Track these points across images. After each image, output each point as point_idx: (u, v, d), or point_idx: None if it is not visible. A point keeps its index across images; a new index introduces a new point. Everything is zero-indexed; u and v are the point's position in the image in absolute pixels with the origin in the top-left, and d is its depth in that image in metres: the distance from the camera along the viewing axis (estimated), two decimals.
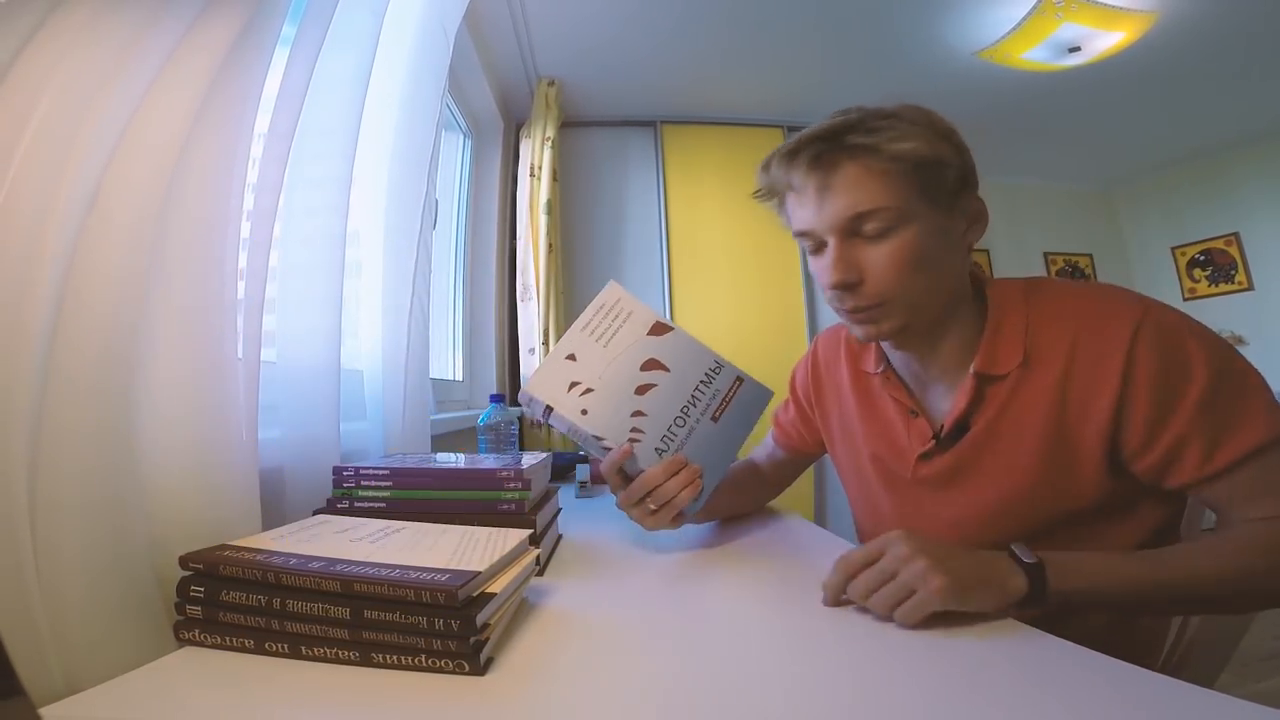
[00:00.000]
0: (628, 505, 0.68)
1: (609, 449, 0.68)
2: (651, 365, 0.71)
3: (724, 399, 0.73)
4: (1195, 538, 0.70)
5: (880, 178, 0.60)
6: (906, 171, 0.60)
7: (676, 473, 0.67)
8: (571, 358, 0.70)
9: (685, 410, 0.71)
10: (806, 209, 0.64)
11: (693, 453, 0.70)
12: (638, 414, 0.69)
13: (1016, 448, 0.64)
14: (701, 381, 0.73)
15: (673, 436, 0.70)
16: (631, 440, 0.68)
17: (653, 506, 0.66)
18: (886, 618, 0.48)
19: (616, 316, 0.73)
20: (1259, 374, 0.58)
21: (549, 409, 0.68)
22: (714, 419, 0.72)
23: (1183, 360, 0.57)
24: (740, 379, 0.75)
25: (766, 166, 0.67)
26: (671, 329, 0.74)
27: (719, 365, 0.74)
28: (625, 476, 0.69)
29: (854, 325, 0.67)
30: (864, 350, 0.81)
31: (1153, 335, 0.58)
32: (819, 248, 0.65)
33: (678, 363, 0.72)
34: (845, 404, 0.83)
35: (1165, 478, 0.59)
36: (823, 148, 0.61)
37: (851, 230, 0.62)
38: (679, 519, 0.69)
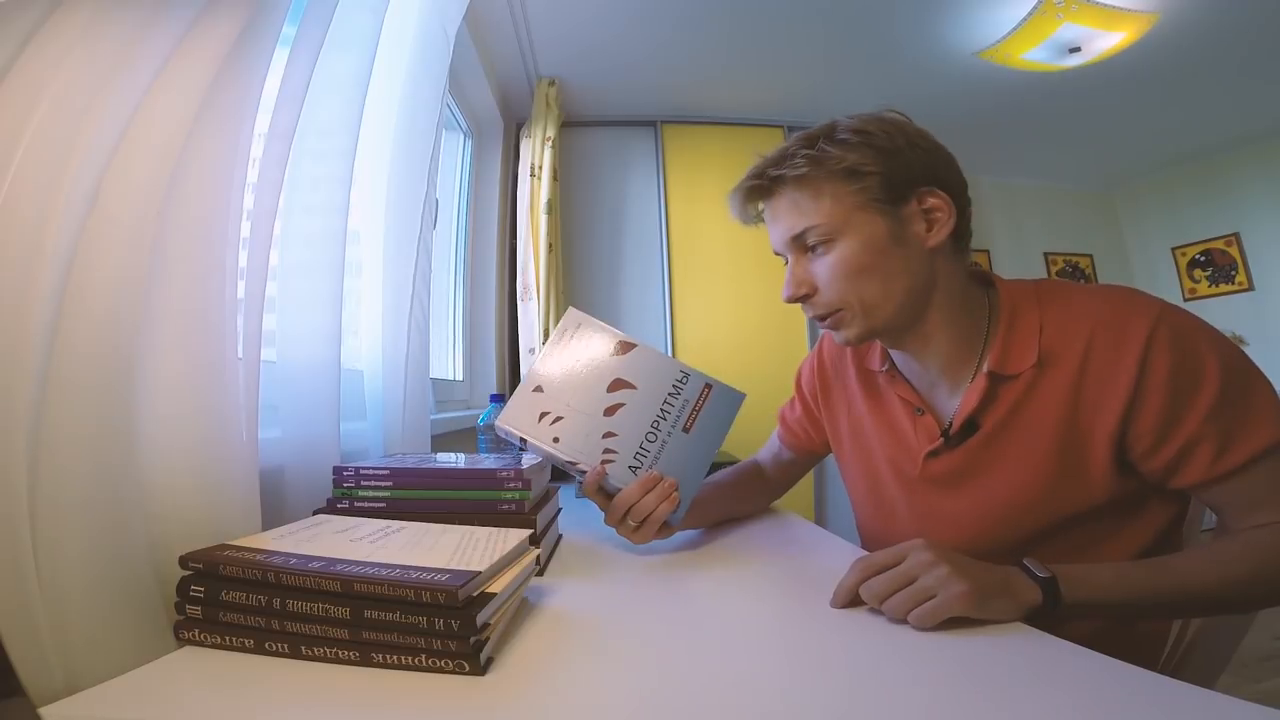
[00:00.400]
0: (612, 524, 0.70)
1: (585, 472, 0.69)
2: (618, 385, 0.73)
3: (694, 408, 0.74)
4: (1196, 539, 0.71)
5: (806, 200, 0.66)
6: (827, 188, 0.64)
7: (652, 488, 0.68)
8: (539, 389, 0.72)
9: (656, 425, 0.72)
10: (769, 233, 0.72)
11: (667, 465, 0.71)
12: (609, 435, 0.71)
13: (1029, 447, 0.64)
14: (670, 394, 0.73)
15: (645, 453, 0.71)
16: (605, 461, 0.70)
17: (633, 523, 0.68)
18: (900, 621, 0.48)
19: (579, 341, 0.74)
20: (1264, 375, 0.59)
21: (523, 441, 0.70)
22: (685, 430, 0.73)
23: (1196, 363, 0.57)
24: (709, 385, 0.75)
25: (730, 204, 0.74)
26: (635, 346, 0.75)
27: (686, 375, 0.75)
28: (607, 496, 0.71)
29: (828, 330, 0.71)
30: (868, 348, 0.81)
31: (1167, 337, 0.58)
32: (788, 264, 0.71)
33: (644, 379, 0.73)
34: (854, 402, 0.83)
35: (1173, 477, 0.60)
36: (754, 183, 0.69)
37: (800, 248, 0.68)
38: (664, 530, 0.71)
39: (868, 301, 0.66)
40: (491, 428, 1.19)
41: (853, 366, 0.83)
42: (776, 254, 0.72)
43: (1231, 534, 0.59)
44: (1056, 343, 0.63)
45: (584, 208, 2.64)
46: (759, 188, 0.69)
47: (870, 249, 0.64)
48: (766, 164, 0.68)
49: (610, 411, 0.71)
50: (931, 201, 0.65)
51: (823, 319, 0.69)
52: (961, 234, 0.68)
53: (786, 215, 0.67)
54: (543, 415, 0.71)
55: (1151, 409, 0.58)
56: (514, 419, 0.71)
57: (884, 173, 0.63)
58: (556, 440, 0.70)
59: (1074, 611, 0.52)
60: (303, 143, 0.73)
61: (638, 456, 0.71)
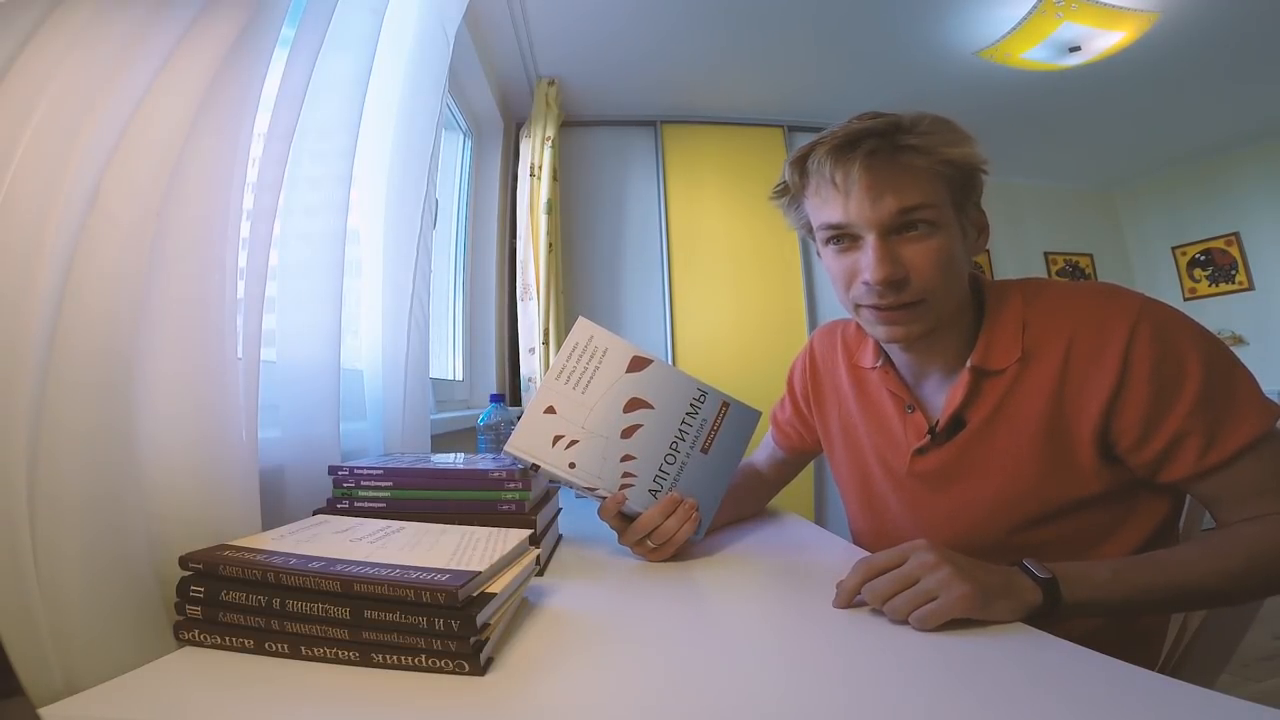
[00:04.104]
0: (628, 544, 0.69)
1: (603, 498, 0.68)
2: (635, 405, 0.69)
3: (712, 427, 0.72)
4: (1196, 536, 0.71)
5: (927, 179, 0.61)
6: (948, 176, 0.62)
7: (673, 511, 0.67)
8: (551, 410, 0.68)
9: (674, 446, 0.70)
10: (846, 203, 0.62)
11: (686, 487, 0.69)
12: (627, 458, 0.68)
13: (1013, 442, 0.64)
14: (688, 413, 0.71)
15: (665, 475, 0.69)
16: (624, 486, 0.68)
17: (653, 545, 0.67)
18: (901, 622, 0.48)
19: (592, 356, 0.70)
20: (1246, 368, 0.60)
21: (535, 466, 0.67)
22: (704, 450, 0.71)
23: (1179, 357, 0.58)
24: (726, 404, 0.73)
25: (803, 159, 0.65)
26: (651, 361, 0.71)
27: (703, 393, 0.72)
28: (624, 517, 0.69)
29: (883, 325, 0.65)
30: (860, 346, 0.81)
31: (1149, 332, 0.59)
32: (850, 244, 0.64)
33: (661, 397, 0.70)
34: (845, 402, 0.83)
35: (1161, 472, 0.60)
36: (878, 144, 0.61)
37: (893, 228, 0.62)
38: (685, 548, 0.70)
39: (945, 297, 0.64)
40: (491, 427, 1.20)
41: (843, 364, 0.83)
42: (834, 226, 0.64)
43: (1226, 527, 0.60)
44: (1040, 338, 0.64)
45: (584, 208, 2.64)
46: (879, 151, 0.61)
47: (956, 246, 0.64)
48: (894, 127, 0.61)
49: (628, 433, 0.69)
50: (982, 216, 0.68)
51: (898, 308, 0.63)
52: None
53: (901, 188, 0.60)
54: (557, 439, 0.67)
55: (1135, 403, 0.59)
56: (526, 444, 0.67)
57: (983, 181, 0.65)
58: (573, 466, 0.67)
59: (1074, 611, 0.52)
60: (302, 142, 0.73)
61: (657, 480, 0.69)
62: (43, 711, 0.33)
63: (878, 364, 0.76)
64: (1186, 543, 0.62)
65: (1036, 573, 0.52)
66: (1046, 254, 3.66)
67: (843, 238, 0.65)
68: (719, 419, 0.72)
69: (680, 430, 0.71)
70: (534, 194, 2.19)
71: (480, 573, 0.42)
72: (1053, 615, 0.51)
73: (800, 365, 0.93)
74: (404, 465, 0.67)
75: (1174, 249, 3.56)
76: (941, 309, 0.64)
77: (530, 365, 2.14)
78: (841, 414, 0.84)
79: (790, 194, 0.70)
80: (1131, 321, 0.59)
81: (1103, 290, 0.64)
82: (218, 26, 0.52)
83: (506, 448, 0.67)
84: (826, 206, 0.64)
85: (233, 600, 0.41)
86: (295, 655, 0.40)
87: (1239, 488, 0.58)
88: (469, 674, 0.39)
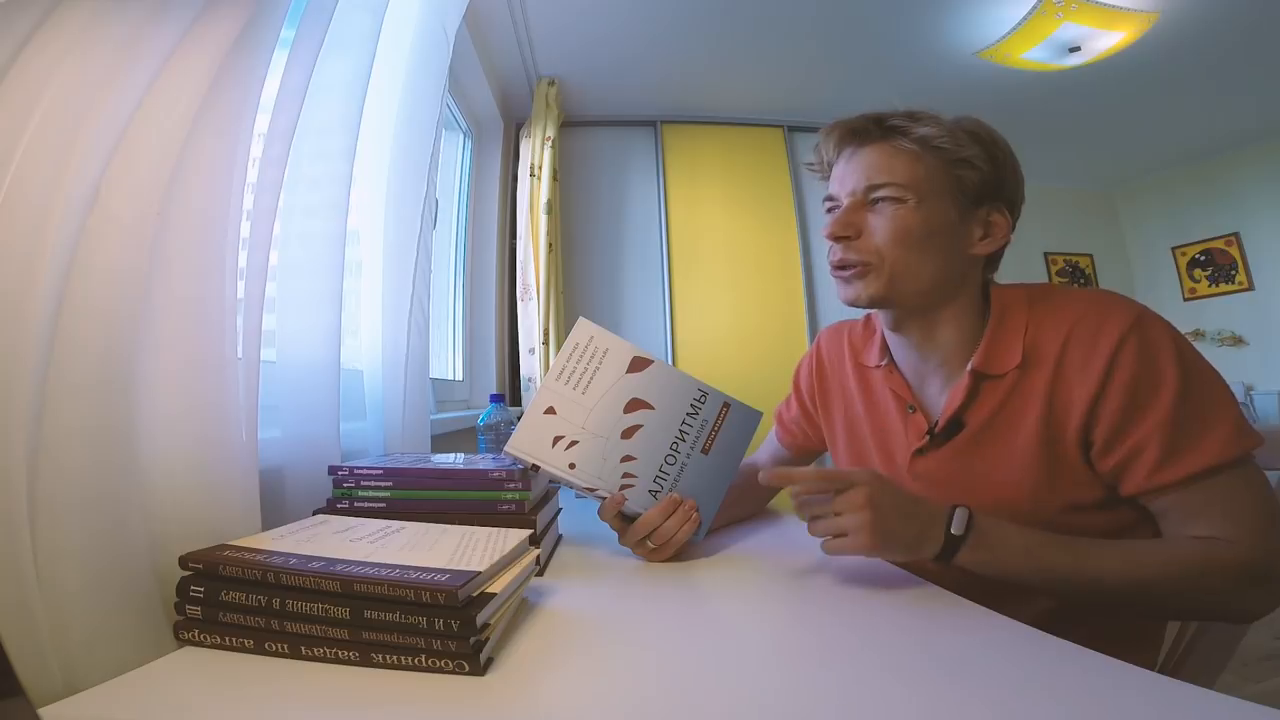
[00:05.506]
0: (629, 545, 0.69)
1: (603, 498, 0.68)
2: (635, 405, 0.69)
3: (713, 428, 0.72)
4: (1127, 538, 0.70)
5: (904, 159, 0.67)
6: (931, 160, 0.67)
7: (673, 512, 0.67)
8: (551, 410, 0.68)
9: (675, 447, 0.70)
10: (835, 176, 0.73)
11: (686, 488, 0.69)
12: (627, 459, 0.68)
13: (1011, 446, 0.65)
14: (688, 414, 0.71)
15: (665, 476, 0.69)
16: (624, 486, 0.67)
17: (653, 546, 0.67)
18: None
19: (592, 357, 0.70)
20: (1232, 397, 0.59)
21: (535, 467, 0.67)
22: (704, 451, 0.71)
23: (1156, 372, 0.58)
24: (727, 404, 0.73)
25: (819, 141, 0.75)
26: (651, 362, 0.71)
27: (704, 393, 0.72)
28: (624, 518, 0.69)
29: (837, 282, 0.72)
30: (866, 345, 0.81)
31: (1136, 343, 0.59)
32: (836, 211, 0.72)
33: (662, 398, 0.70)
34: (850, 401, 0.83)
35: (1120, 483, 0.61)
36: (860, 124, 0.70)
37: (865, 199, 0.69)
38: (685, 549, 0.70)
39: (899, 268, 0.67)
40: (491, 427, 1.20)
41: (849, 363, 0.84)
42: (829, 198, 0.73)
43: (1166, 537, 0.60)
44: (1038, 343, 0.65)
45: (584, 208, 2.64)
46: (866, 130, 0.70)
47: (928, 227, 0.66)
48: (889, 114, 0.69)
49: (628, 434, 0.69)
50: (996, 218, 0.70)
51: (848, 267, 0.69)
52: (1000, 253, 0.72)
53: (876, 165, 0.68)
54: (557, 440, 0.67)
55: (1110, 409, 0.59)
56: (526, 444, 0.67)
57: (986, 177, 0.67)
58: (573, 466, 0.67)
59: (972, 569, 0.56)
60: (302, 142, 0.73)
61: (657, 480, 0.69)
62: (43, 711, 0.33)
63: (882, 363, 0.77)
64: (1118, 541, 0.61)
65: (952, 528, 0.55)
66: (1046, 254, 3.66)
67: (834, 208, 0.72)
68: (720, 420, 0.72)
69: (681, 431, 0.70)
70: (534, 194, 2.20)
71: (480, 573, 0.42)
72: (947, 563, 0.56)
73: (806, 364, 0.94)
74: (404, 465, 0.67)
75: (1174, 249, 3.56)
76: (895, 279, 0.67)
77: (530, 366, 2.14)
78: (846, 413, 0.84)
79: (820, 171, 0.77)
80: (1123, 331, 0.60)
81: (1102, 298, 0.65)
82: (218, 27, 0.52)
83: (507, 448, 0.67)
84: (830, 182, 0.74)
85: (233, 600, 0.41)
86: (295, 655, 0.40)
87: (1184, 510, 0.58)
88: (469, 674, 0.39)
